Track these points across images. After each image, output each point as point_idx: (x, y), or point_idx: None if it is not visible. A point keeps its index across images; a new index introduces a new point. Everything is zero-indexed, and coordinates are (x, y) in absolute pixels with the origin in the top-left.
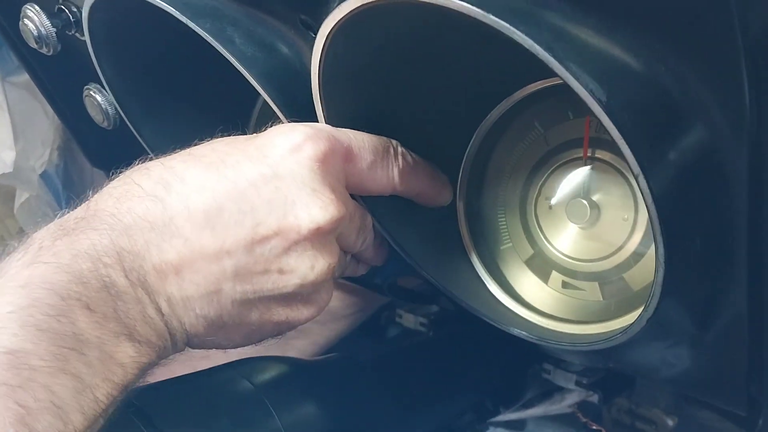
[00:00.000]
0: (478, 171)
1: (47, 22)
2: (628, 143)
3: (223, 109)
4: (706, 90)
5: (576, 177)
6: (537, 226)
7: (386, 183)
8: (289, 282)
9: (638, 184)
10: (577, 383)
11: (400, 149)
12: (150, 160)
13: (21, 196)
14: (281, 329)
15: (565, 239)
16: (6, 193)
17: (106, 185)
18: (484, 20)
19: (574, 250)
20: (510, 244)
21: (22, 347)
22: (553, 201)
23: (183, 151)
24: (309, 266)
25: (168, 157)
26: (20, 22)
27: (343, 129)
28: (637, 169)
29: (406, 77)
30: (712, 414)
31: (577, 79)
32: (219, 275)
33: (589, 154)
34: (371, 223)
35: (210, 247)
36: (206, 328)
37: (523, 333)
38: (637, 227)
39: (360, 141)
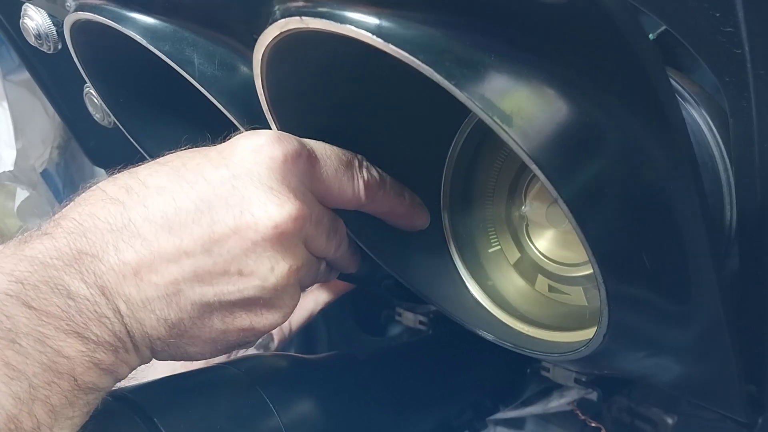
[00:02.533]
0: (461, 175)
1: (48, 21)
2: (540, 167)
3: (219, 117)
4: (629, 108)
5: None
6: (523, 229)
7: (351, 195)
8: (249, 284)
9: (559, 206)
10: (576, 381)
11: (365, 163)
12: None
13: (21, 195)
14: (246, 336)
15: (548, 243)
16: (7, 192)
17: (74, 196)
18: (385, 50)
19: (558, 254)
20: (498, 247)
21: None
22: (534, 205)
23: (151, 161)
24: (269, 268)
25: (136, 167)
26: (21, 20)
27: (309, 140)
28: (554, 193)
29: (361, 95)
30: (712, 413)
31: (483, 109)
32: (178, 275)
33: None
34: (344, 228)
35: (168, 247)
36: (168, 332)
37: (496, 339)
38: None
39: (323, 148)
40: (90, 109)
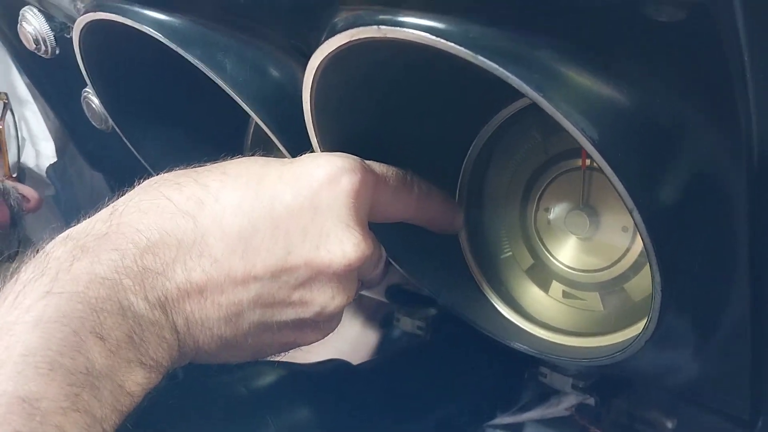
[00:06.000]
0: (477, 180)
1: (45, 26)
2: (620, 179)
3: (219, 126)
4: (702, 119)
5: (574, 187)
6: (537, 236)
7: (404, 210)
8: (308, 310)
9: (633, 218)
10: (574, 386)
11: (415, 178)
12: (179, 171)
13: None
14: (286, 349)
15: (565, 249)
16: None
17: (130, 196)
18: (474, 61)
19: (575, 261)
20: (510, 253)
21: (34, 391)
22: (552, 212)
23: (215, 168)
24: (330, 297)
25: (199, 173)
26: (18, 25)
27: (367, 161)
28: (630, 204)
29: (397, 101)
30: (712, 416)
31: (567, 118)
32: (243, 298)
33: (587, 164)
34: (384, 253)
35: (239, 271)
36: (218, 347)
37: (524, 347)
38: (636, 237)
39: (385, 171)
40: (87, 113)
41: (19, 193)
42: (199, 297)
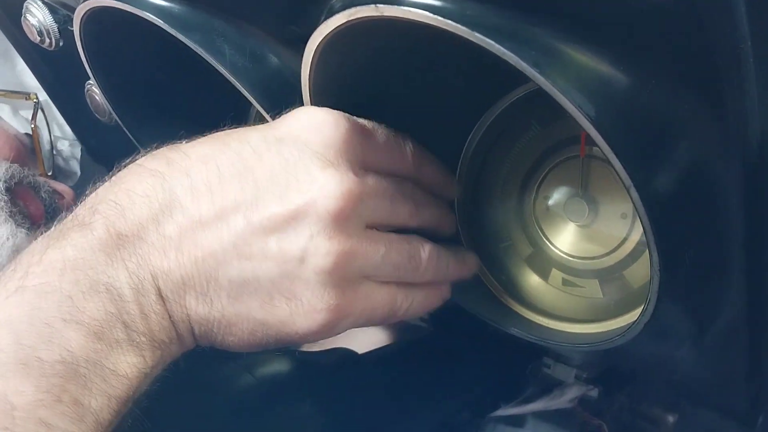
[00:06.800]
0: (475, 169)
1: (49, 18)
2: (618, 156)
3: (219, 115)
4: (701, 101)
5: (573, 175)
6: (536, 224)
7: (401, 162)
8: (287, 256)
9: (630, 196)
10: (577, 378)
11: (407, 137)
12: None
13: None
14: (286, 333)
15: (564, 237)
16: None
17: (107, 177)
18: (470, 38)
19: (574, 248)
20: (509, 242)
21: (7, 387)
22: (551, 200)
23: None
24: (307, 237)
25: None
26: (22, 18)
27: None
28: (628, 181)
29: (397, 84)
30: (713, 412)
31: (564, 95)
32: (217, 246)
33: (586, 152)
34: (428, 198)
35: (208, 215)
36: (207, 314)
37: (524, 334)
38: (635, 224)
39: (373, 124)
40: (91, 106)
41: (51, 187)
42: (176, 252)
